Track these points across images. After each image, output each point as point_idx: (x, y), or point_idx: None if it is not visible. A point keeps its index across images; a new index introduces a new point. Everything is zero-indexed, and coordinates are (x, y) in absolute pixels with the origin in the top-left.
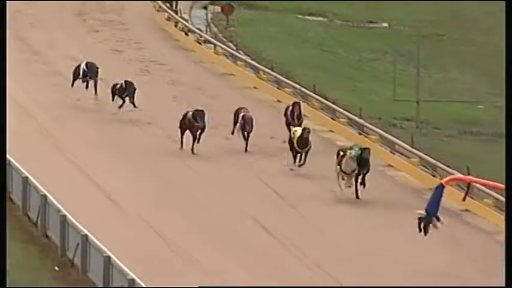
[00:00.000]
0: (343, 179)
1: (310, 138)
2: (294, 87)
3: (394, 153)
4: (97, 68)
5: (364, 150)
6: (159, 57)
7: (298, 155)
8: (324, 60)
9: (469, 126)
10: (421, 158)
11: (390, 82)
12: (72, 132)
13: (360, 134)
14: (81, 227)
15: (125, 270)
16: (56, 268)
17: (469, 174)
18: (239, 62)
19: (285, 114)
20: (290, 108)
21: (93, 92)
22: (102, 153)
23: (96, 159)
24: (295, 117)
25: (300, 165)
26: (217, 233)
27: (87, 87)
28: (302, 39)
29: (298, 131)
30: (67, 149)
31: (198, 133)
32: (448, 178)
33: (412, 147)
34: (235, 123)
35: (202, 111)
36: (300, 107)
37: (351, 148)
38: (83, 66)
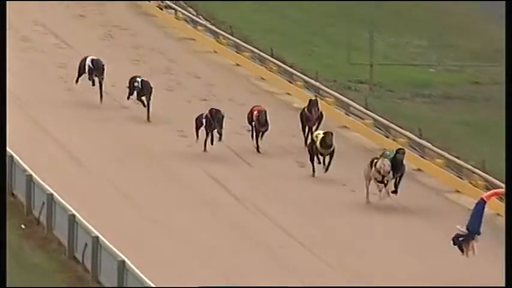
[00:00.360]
0: (378, 184)
1: (334, 141)
2: (253, 52)
3: (348, 115)
4: (103, 65)
5: (398, 152)
6: (121, 22)
7: (321, 157)
8: (281, 25)
9: (421, 89)
10: (374, 119)
11: (345, 46)
12: (37, 92)
13: (316, 96)
14: (46, 186)
15: (90, 228)
16: (23, 226)
17: (420, 136)
18: (199, 27)
19: (302, 115)
20: (307, 108)
21: (99, 93)
22: (68, 115)
23: (61, 120)
24: (314, 119)
25: (325, 169)
26: (186, 197)
27: (93, 84)
28: (260, 5)
29: (320, 134)
30: (33, 110)
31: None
32: (489, 193)
33: (366, 109)
34: (250, 123)
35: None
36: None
37: (383, 154)
38: (88, 62)
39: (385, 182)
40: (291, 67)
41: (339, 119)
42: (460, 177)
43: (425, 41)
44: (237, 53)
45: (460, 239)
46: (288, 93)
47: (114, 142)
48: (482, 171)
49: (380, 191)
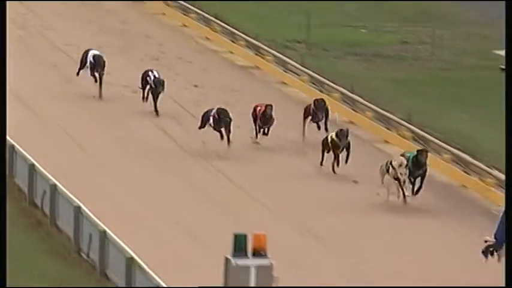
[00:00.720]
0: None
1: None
2: (198, 13)
3: (287, 72)
4: (104, 61)
5: (419, 153)
6: None
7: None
8: None
9: (353, 48)
10: (310, 75)
11: (285, 9)
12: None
13: (256, 54)
14: (8, 138)
15: (48, 176)
16: None
17: (352, 91)
18: None
19: (307, 112)
20: (313, 106)
21: (98, 88)
22: (35, 77)
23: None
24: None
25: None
26: (140, 148)
27: (96, 81)
28: None
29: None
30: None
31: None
32: None
33: (302, 66)
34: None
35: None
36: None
37: (402, 155)
38: (90, 58)
39: (402, 180)
40: (233, 27)
41: (278, 75)
42: (388, 129)
43: (356, 3)
44: (184, 15)
45: (490, 249)
46: (231, 52)
47: (78, 102)
48: (408, 123)
49: (401, 192)
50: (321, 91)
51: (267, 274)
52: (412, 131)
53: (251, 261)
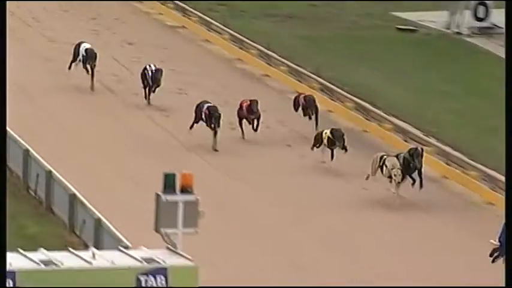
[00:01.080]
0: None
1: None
2: None
3: (210, 31)
4: (95, 53)
5: (414, 150)
6: None
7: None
8: None
9: (269, 10)
10: (231, 34)
11: None
12: None
13: (183, 15)
14: None
15: None
16: None
17: (268, 48)
18: None
19: (296, 105)
20: (302, 99)
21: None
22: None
23: None
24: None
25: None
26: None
27: (88, 72)
28: None
29: (327, 131)
30: None
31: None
32: None
33: (224, 26)
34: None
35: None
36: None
37: (397, 156)
38: (82, 51)
39: (396, 180)
40: None
41: (202, 34)
42: (300, 81)
43: None
44: None
45: (495, 254)
46: (161, 13)
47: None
48: (317, 76)
49: (395, 193)
50: (240, 48)
51: (193, 209)
52: (320, 83)
53: (179, 197)
